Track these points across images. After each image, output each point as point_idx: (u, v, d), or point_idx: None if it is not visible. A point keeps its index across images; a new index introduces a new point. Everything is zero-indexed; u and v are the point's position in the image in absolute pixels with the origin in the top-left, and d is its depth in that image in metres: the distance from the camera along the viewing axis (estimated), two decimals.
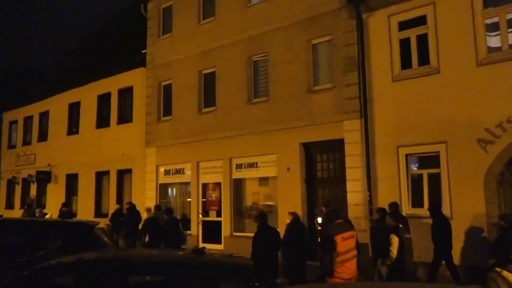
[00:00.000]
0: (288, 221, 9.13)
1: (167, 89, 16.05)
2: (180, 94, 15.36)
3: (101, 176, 19.00)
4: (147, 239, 11.22)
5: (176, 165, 15.39)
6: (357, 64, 11.09)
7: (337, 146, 11.40)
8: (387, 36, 10.69)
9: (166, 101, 16.07)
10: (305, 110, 12.02)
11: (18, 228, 5.86)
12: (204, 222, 14.30)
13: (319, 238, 8.87)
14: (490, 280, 5.22)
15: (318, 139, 11.73)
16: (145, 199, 16.06)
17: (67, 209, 16.98)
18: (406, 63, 10.43)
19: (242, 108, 13.47)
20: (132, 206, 15.26)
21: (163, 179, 15.86)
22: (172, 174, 15.58)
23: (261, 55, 13.39)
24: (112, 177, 18.24)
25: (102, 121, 18.99)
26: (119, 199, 17.90)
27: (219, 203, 14.00)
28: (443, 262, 8.74)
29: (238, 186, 13.68)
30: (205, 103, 14.74)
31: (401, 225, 7.64)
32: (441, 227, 8.67)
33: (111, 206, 18.09)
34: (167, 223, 11.70)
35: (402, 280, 6.71)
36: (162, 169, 15.90)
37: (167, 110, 15.90)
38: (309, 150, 12.09)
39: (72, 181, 20.17)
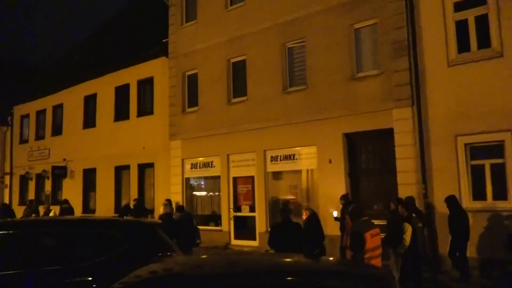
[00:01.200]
0: (304, 217, 8.84)
1: (192, 79, 15.34)
2: (207, 84, 14.66)
3: (120, 171, 18.34)
4: None
5: (203, 158, 14.73)
6: (408, 49, 10.41)
7: (384, 136, 10.74)
8: (441, 18, 9.99)
9: (191, 92, 15.37)
10: (348, 98, 11.35)
11: (75, 228, 5.18)
12: (236, 218, 13.66)
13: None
14: None
15: (363, 129, 11.07)
16: (170, 194, 15.40)
17: (68, 205, 16.25)
18: (463, 46, 9.75)
19: (276, 97, 12.78)
20: (139, 202, 14.71)
21: (189, 173, 15.21)
22: (200, 167, 14.93)
23: (297, 42, 12.68)
24: (133, 171, 17.59)
25: (121, 114, 18.30)
26: (141, 195, 17.27)
27: (252, 197, 13.36)
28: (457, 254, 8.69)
29: (273, 179, 13.03)
30: (234, 93, 14.04)
31: (414, 215, 8.05)
32: (458, 219, 8.63)
33: (132, 201, 17.51)
34: (179, 219, 11.02)
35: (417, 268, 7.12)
36: (188, 163, 15.23)
37: (193, 101, 15.20)
38: (353, 141, 11.43)
39: (89, 176, 19.51)
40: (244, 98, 13.66)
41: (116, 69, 18.42)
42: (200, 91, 14.90)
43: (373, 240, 5.96)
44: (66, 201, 15.73)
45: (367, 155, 11.26)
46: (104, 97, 19.08)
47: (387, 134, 10.63)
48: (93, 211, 18.93)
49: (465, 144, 9.56)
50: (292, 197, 12.59)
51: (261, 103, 13.11)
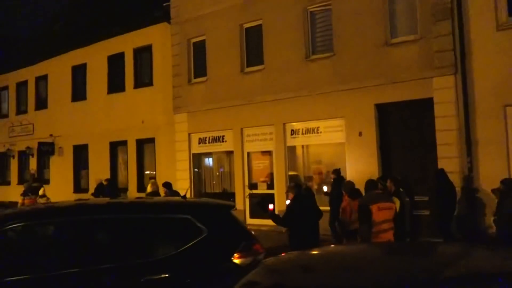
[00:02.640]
0: (289, 199, 7.81)
1: (199, 47, 14.13)
2: (217, 52, 13.50)
3: (116, 147, 17.10)
4: None
5: (213, 133, 13.70)
6: (450, 12, 9.61)
7: (422, 107, 10.04)
8: None
9: (197, 61, 14.18)
10: (381, 66, 10.53)
11: (139, 213, 4.19)
12: (251, 196, 12.81)
13: None
14: None
15: (397, 99, 10.31)
16: (175, 171, 14.40)
17: (38, 184, 15.00)
18: None
19: (298, 66, 11.82)
20: (111, 182, 13.73)
21: (197, 149, 14.17)
22: (209, 142, 13.90)
23: (320, 5, 11.68)
24: (131, 147, 16.40)
25: (115, 86, 16.92)
26: (140, 172, 16.20)
27: (270, 173, 12.51)
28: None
29: (293, 154, 12.20)
30: (249, 61, 12.97)
31: (401, 189, 7.98)
32: (446, 193, 8.65)
33: (131, 180, 16.41)
34: (166, 196, 10.19)
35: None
36: (195, 138, 14.17)
37: (200, 70, 14.03)
38: (385, 113, 10.67)
39: (80, 153, 18.15)
40: (260, 67, 12.62)
41: (109, 36, 16.91)
42: (209, 59, 13.73)
43: (381, 213, 5.86)
44: (35, 179, 13.74)
45: (402, 127, 10.52)
46: (95, 67, 17.58)
47: (425, 105, 9.92)
48: (86, 190, 17.63)
49: None
50: (312, 174, 11.80)
51: (280, 72, 12.12)
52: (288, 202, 7.37)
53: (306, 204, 7.17)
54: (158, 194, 10.38)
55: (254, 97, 12.58)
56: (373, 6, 10.69)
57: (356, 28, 10.91)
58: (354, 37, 10.92)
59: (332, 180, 10.19)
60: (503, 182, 7.65)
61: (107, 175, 16.77)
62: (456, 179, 9.42)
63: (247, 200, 12.87)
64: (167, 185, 10.76)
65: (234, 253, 4.05)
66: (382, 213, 5.89)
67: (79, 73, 18.23)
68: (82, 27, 18.55)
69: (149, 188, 10.50)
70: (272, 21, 12.36)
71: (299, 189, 7.45)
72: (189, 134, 14.20)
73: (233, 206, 4.72)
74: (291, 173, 12.10)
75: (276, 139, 12.27)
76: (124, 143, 16.60)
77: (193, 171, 14.18)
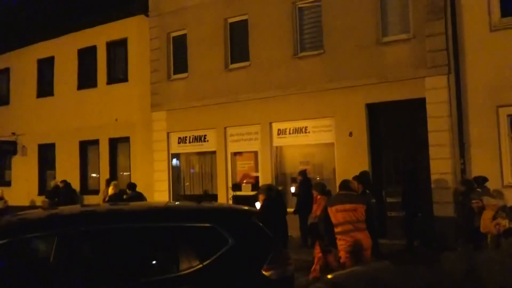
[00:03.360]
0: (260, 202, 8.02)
1: (179, 41, 13.49)
2: (199, 47, 12.92)
3: (86, 146, 16.12)
4: None
5: (194, 132, 13.09)
6: (444, 12, 9.53)
7: (414, 107, 9.92)
8: None
9: (178, 56, 13.53)
10: (373, 65, 10.33)
11: (159, 221, 3.61)
12: (235, 198, 12.31)
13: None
14: None
15: (388, 99, 10.15)
16: (153, 172, 13.69)
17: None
18: (507, 10, 9.03)
19: (286, 63, 11.45)
20: (67, 185, 13.21)
21: (176, 148, 13.51)
22: (189, 142, 13.28)
23: (309, 1, 11.38)
24: (103, 147, 15.48)
25: (86, 81, 15.96)
26: (113, 173, 15.30)
27: (255, 175, 12.06)
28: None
29: (280, 155, 11.81)
30: (233, 57, 12.48)
31: (367, 191, 7.94)
32: (412, 192, 9.05)
33: (102, 181, 15.47)
34: (131, 198, 9.80)
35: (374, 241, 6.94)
36: (175, 137, 13.51)
37: (180, 66, 13.39)
38: (376, 112, 10.48)
39: (47, 152, 16.99)
40: (245, 63, 12.16)
41: (79, 28, 15.92)
42: (190, 55, 13.12)
43: (340, 215, 6.06)
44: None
45: (393, 127, 10.37)
46: (63, 61, 16.51)
47: (418, 105, 9.80)
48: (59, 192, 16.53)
49: (508, 116, 8.97)
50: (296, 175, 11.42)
51: (266, 70, 11.71)
52: (258, 204, 7.41)
53: (277, 207, 7.16)
54: (121, 197, 9.86)
55: (239, 95, 12.11)
56: (364, 3, 10.48)
57: (347, 26, 10.67)
58: (345, 35, 10.67)
59: (298, 181, 10.27)
60: (464, 183, 8.11)
61: (76, 176, 15.83)
62: (449, 180, 9.37)
63: (231, 202, 12.34)
64: (131, 186, 10.25)
65: (263, 265, 3.59)
66: (341, 215, 6.06)
67: (45, 67, 17.07)
68: (49, 17, 17.36)
69: (110, 191, 9.95)
70: (258, 16, 11.94)
71: (270, 191, 7.51)
72: (168, 133, 13.53)
73: (256, 213, 4.25)
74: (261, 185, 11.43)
75: (262, 139, 11.84)
76: (95, 142, 15.66)
77: (172, 172, 13.50)
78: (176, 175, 13.56)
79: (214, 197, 12.63)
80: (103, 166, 15.41)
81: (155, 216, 3.69)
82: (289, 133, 11.54)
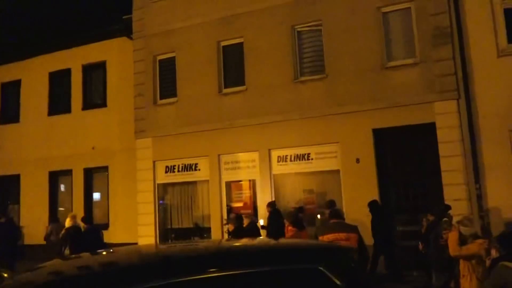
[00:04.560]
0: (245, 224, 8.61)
1: (167, 64, 12.73)
2: (189, 70, 12.22)
3: (57, 177, 14.74)
4: (67, 251, 8.91)
5: (184, 160, 12.19)
6: (451, 37, 9.52)
7: (423, 132, 9.69)
8: (488, 5, 9.29)
9: (165, 80, 12.73)
10: (378, 90, 10.09)
11: (262, 264, 2.81)
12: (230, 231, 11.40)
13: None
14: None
15: (396, 124, 9.88)
16: (136, 204, 12.56)
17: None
18: None
19: (285, 87, 11.00)
20: (8, 220, 11.96)
21: (163, 178, 12.50)
22: (178, 171, 12.34)
23: (308, 25, 11.09)
24: (77, 178, 14.18)
25: (58, 106, 14.81)
26: (88, 205, 13.98)
27: (252, 205, 11.30)
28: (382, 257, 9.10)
29: (281, 183, 11.15)
30: (227, 82, 11.87)
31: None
32: (381, 224, 8.97)
33: (78, 213, 14.03)
34: (86, 232, 9.39)
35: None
36: (161, 166, 12.53)
37: (168, 90, 12.59)
38: (384, 138, 10.16)
39: (9, 184, 15.37)
40: (241, 88, 11.58)
41: (51, 50, 14.85)
42: (179, 79, 12.38)
43: None
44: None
45: (402, 152, 10.05)
46: (32, 84, 15.27)
47: (427, 130, 9.59)
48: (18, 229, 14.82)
49: None
50: (303, 205, 10.79)
51: (264, 94, 11.18)
52: (227, 234, 7.59)
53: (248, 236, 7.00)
54: (79, 229, 9.32)
55: (234, 120, 11.45)
56: (366, 27, 10.33)
57: (349, 50, 10.44)
58: (348, 59, 10.42)
59: (268, 213, 9.90)
60: (433, 212, 8.14)
61: (44, 209, 14.31)
62: (463, 207, 9.08)
63: (226, 236, 11.44)
64: (87, 220, 9.75)
65: None
66: None
67: (10, 91, 15.72)
68: (17, 38, 16.04)
69: (67, 223, 9.35)
70: (255, 40, 11.49)
71: (240, 221, 7.57)
72: (154, 162, 12.52)
73: (354, 250, 3.57)
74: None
75: (260, 166, 11.17)
76: (68, 172, 14.34)
77: (158, 204, 12.44)
78: (162, 207, 12.50)
79: (207, 230, 11.70)
80: (77, 198, 14.05)
81: (253, 258, 2.90)
82: (290, 160, 10.96)
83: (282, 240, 4.16)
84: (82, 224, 9.53)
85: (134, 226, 12.55)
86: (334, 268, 2.95)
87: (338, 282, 2.88)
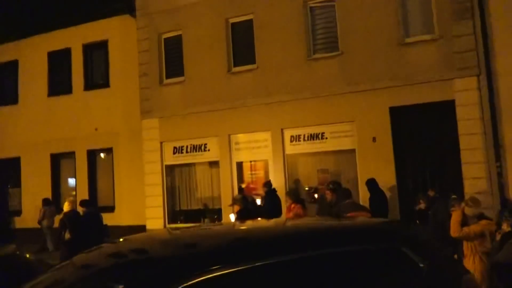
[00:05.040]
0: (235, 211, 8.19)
1: (173, 43, 12.33)
2: (196, 49, 11.84)
3: (59, 160, 14.38)
4: (67, 235, 8.55)
5: (193, 140, 11.91)
6: (471, 12, 9.26)
7: (442, 110, 9.50)
8: None
9: (171, 59, 12.35)
10: (396, 67, 9.85)
11: (345, 243, 2.60)
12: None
13: None
14: None
15: (414, 102, 9.66)
16: (144, 186, 12.29)
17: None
18: None
19: (298, 65, 10.70)
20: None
21: (171, 159, 12.22)
22: (187, 152, 12.05)
23: (321, 0, 10.74)
24: (80, 160, 13.83)
25: (58, 87, 14.37)
26: (92, 188, 13.68)
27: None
28: None
29: (294, 163, 10.94)
30: (237, 60, 11.52)
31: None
32: (378, 201, 8.64)
33: (81, 197, 13.73)
34: (86, 216, 9.08)
35: None
36: (169, 147, 12.23)
37: (175, 70, 12.21)
38: (402, 116, 9.94)
39: (9, 168, 14.97)
40: (251, 66, 11.25)
41: (49, 29, 14.31)
42: (187, 57, 12.00)
43: None
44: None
45: (420, 131, 9.84)
46: (30, 65, 14.75)
47: (445, 107, 9.40)
48: (17, 213, 14.53)
49: None
50: (318, 185, 10.62)
51: (276, 73, 10.88)
52: (232, 217, 7.25)
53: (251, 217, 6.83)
54: (77, 214, 8.93)
55: (244, 99, 11.15)
56: (382, 1, 10.03)
57: (364, 26, 10.14)
58: (363, 35, 10.13)
59: (264, 193, 9.85)
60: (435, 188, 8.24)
61: (48, 193, 13.97)
62: (483, 185, 8.98)
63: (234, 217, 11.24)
64: (85, 204, 9.30)
65: None
66: None
67: (8, 72, 15.19)
68: (13, 17, 15.44)
69: (66, 207, 8.90)
70: (265, 16, 11.13)
71: (246, 202, 7.42)
72: (161, 143, 12.22)
73: None
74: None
75: (273, 146, 10.93)
76: (70, 155, 13.97)
77: (166, 185, 12.17)
78: (170, 189, 12.24)
79: (217, 212, 11.50)
80: (81, 181, 13.72)
81: (337, 238, 2.66)
82: (304, 140, 10.74)
83: (364, 220, 3.88)
84: (81, 209, 9.14)
85: (141, 209, 12.30)
86: (417, 249, 2.75)
87: (420, 264, 2.69)
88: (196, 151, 11.95)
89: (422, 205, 8.16)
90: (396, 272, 2.65)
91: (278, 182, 10.72)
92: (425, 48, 9.71)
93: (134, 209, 12.70)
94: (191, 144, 11.97)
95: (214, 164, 11.72)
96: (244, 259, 2.12)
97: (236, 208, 7.04)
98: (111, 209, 13.03)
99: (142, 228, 12.11)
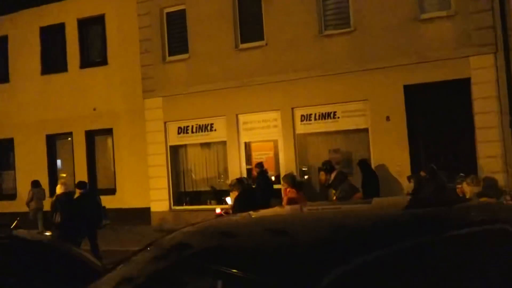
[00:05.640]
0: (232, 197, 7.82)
1: (176, 18, 11.85)
2: (201, 24, 11.39)
3: (54, 141, 13.86)
4: (58, 218, 8.33)
5: (198, 120, 11.58)
6: None
7: (457, 88, 9.41)
8: None
9: (174, 35, 11.89)
10: (410, 44, 9.65)
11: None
12: None
13: None
14: None
15: (429, 80, 9.52)
16: (147, 168, 11.96)
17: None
18: None
19: (309, 42, 10.40)
20: None
21: (176, 140, 11.89)
22: (192, 132, 11.73)
23: None
24: (78, 141, 13.36)
25: (53, 65, 13.73)
26: (91, 171, 13.26)
27: (275, 166, 10.89)
28: None
29: (305, 143, 10.75)
30: (245, 36, 11.15)
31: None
32: (370, 182, 8.80)
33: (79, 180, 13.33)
34: (80, 197, 8.75)
35: None
36: (173, 127, 11.88)
37: (178, 46, 11.77)
38: (416, 94, 9.81)
39: (1, 149, 14.36)
40: (260, 43, 10.91)
41: (41, 2, 13.57)
42: (191, 33, 11.55)
43: None
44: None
45: (434, 109, 9.74)
46: (21, 41, 14.03)
47: (461, 86, 9.31)
48: (12, 196, 14.03)
49: None
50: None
51: (286, 50, 10.55)
52: (229, 200, 7.12)
53: (252, 199, 6.92)
54: (72, 196, 8.69)
55: (253, 78, 10.83)
56: None
57: (377, 1, 9.87)
58: (376, 11, 9.87)
59: (256, 174, 9.97)
60: (427, 169, 8.15)
61: (44, 175, 13.48)
62: (498, 164, 8.97)
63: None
64: (82, 185, 8.88)
65: None
66: None
67: None
68: None
69: (58, 190, 8.65)
70: None
71: (243, 184, 7.11)
72: (165, 123, 11.85)
73: None
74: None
75: (283, 126, 10.70)
76: (67, 135, 13.48)
77: (171, 167, 11.86)
78: (175, 170, 11.95)
79: (225, 193, 11.27)
80: (79, 163, 13.28)
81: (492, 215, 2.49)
82: (315, 119, 10.53)
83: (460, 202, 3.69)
84: (78, 191, 8.75)
85: (144, 191, 12.01)
86: None
87: None
88: (202, 131, 11.64)
89: (411, 185, 8.20)
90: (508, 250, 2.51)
91: (288, 163, 10.57)
92: (440, 25, 9.52)
93: (136, 191, 12.38)
94: (196, 124, 11.64)
95: (221, 144, 11.45)
96: (398, 238, 1.93)
97: (235, 193, 6.78)
98: (112, 191, 12.68)
99: (146, 211, 11.88)
